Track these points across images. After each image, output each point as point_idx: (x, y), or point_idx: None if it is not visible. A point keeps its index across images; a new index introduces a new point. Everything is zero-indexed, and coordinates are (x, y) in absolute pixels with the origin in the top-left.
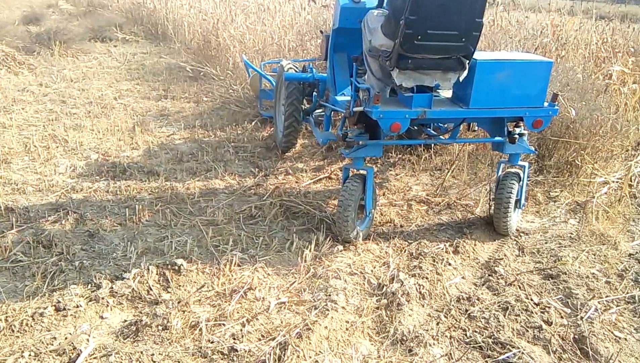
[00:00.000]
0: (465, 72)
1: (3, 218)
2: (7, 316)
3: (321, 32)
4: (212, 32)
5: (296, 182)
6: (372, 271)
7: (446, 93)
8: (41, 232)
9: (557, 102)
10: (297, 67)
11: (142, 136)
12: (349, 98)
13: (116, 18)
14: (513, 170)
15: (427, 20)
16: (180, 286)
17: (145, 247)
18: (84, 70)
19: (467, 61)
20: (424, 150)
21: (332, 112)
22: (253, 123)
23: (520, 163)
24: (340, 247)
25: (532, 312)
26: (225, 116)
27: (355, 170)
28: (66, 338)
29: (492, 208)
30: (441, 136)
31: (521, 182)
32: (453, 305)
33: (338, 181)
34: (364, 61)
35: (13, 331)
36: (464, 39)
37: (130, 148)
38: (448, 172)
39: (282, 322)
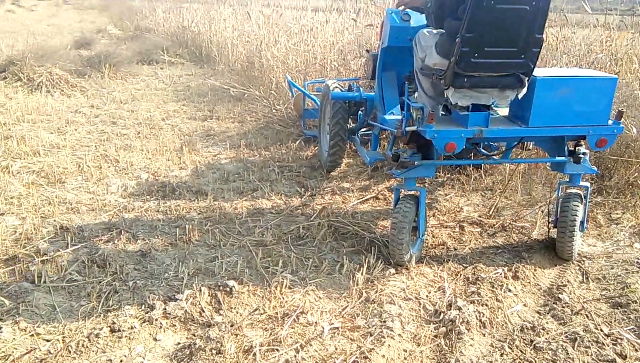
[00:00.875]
0: (525, 90)
1: (58, 237)
2: (64, 337)
3: (367, 51)
4: (256, 54)
5: (343, 202)
6: (427, 296)
7: (502, 111)
8: (95, 251)
9: (622, 120)
10: (342, 87)
11: (189, 155)
12: (398, 117)
13: (162, 41)
14: (574, 191)
15: (484, 37)
16: (232, 308)
17: (196, 267)
18: (132, 92)
19: (527, 78)
20: (473, 169)
21: (380, 132)
22: (297, 142)
23: (582, 183)
24: (393, 270)
25: (603, 344)
26: (269, 136)
27: (406, 191)
28: (121, 361)
29: (552, 230)
30: (493, 155)
31: (584, 203)
32: (517, 335)
33: (386, 201)
34: (415, 79)
35: (70, 352)
36: (523, 56)
37: (178, 168)
38: (500, 192)
39: (336, 349)
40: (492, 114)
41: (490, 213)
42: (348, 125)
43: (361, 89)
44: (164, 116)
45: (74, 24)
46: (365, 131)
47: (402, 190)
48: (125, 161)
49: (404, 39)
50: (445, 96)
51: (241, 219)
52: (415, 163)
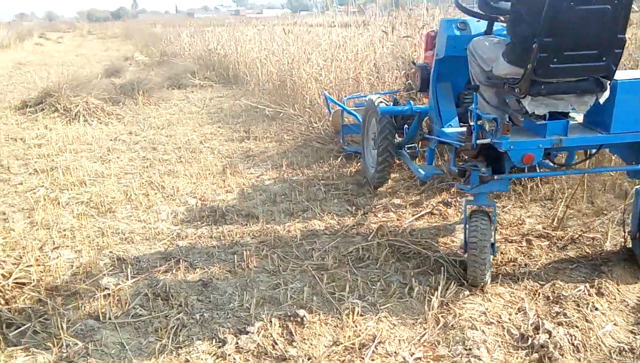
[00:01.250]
0: (607, 94)
1: (116, 269)
2: None
3: (413, 63)
4: (287, 72)
5: (398, 219)
6: (509, 319)
7: (577, 118)
8: (156, 283)
9: None
10: (387, 101)
11: (233, 178)
12: (458, 129)
13: (189, 65)
14: None
15: (563, 41)
16: (305, 339)
17: (260, 296)
18: (167, 117)
19: (608, 82)
20: (528, 179)
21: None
22: (339, 159)
23: None
24: (466, 292)
25: None
26: (309, 154)
27: (476, 207)
28: None
29: (632, 242)
30: (569, 165)
31: None
32: (615, 359)
33: (441, 216)
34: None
35: None
36: (604, 58)
37: (224, 191)
38: (563, 202)
39: None
40: (570, 122)
41: (555, 224)
42: (395, 140)
43: (411, 102)
44: (202, 139)
45: (100, 53)
46: (409, 144)
47: (471, 206)
48: (171, 187)
49: (461, 49)
50: (509, 105)
51: (297, 242)
52: (495, 177)
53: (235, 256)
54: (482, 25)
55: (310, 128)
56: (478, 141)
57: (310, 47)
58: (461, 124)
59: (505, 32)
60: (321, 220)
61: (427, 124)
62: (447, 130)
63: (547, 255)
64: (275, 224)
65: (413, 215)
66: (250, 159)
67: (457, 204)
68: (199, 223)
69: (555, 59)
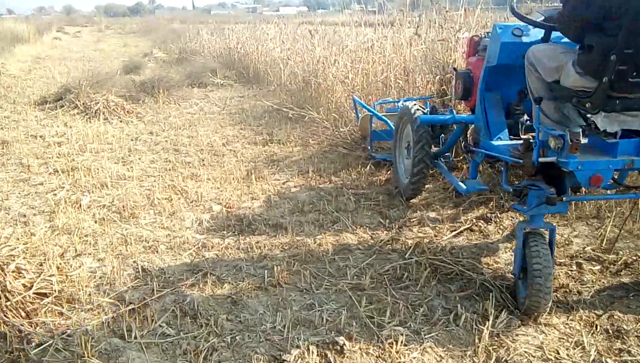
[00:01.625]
0: None
1: (141, 282)
2: None
3: (454, 69)
4: (312, 74)
5: (435, 235)
6: (567, 355)
7: None
8: (183, 299)
9: None
10: (423, 108)
11: (258, 184)
12: (509, 143)
13: (209, 64)
14: None
15: None
16: None
17: (293, 318)
18: (188, 116)
19: None
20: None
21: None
22: (367, 167)
23: None
24: (518, 321)
25: None
26: (336, 160)
27: (531, 229)
28: None
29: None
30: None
31: None
32: None
33: (482, 233)
34: (532, 101)
35: None
36: None
37: (250, 198)
38: (610, 221)
39: None
40: None
41: (605, 246)
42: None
43: (454, 111)
44: (224, 142)
45: (119, 49)
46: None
47: (525, 228)
48: (195, 192)
49: (515, 57)
50: (571, 119)
51: (329, 258)
52: (563, 198)
53: (265, 271)
54: (539, 32)
55: (336, 133)
56: (541, 159)
57: (337, 48)
58: (511, 137)
59: (567, 39)
60: (353, 233)
61: (473, 135)
62: (496, 143)
63: (600, 281)
64: (305, 237)
65: (451, 231)
66: (275, 164)
67: (498, 220)
68: (224, 232)
69: (635, 73)
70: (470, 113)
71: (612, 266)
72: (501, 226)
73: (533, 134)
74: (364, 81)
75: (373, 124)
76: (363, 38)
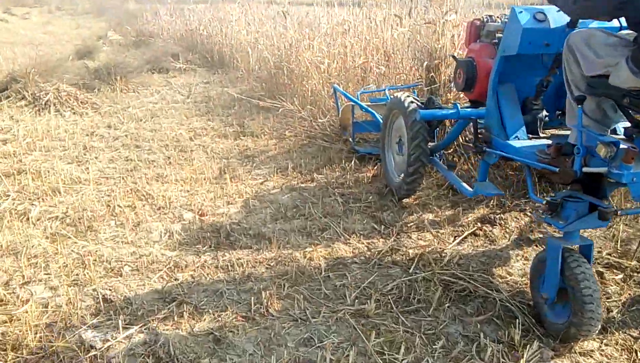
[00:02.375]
0: None
1: (103, 316)
2: None
3: (453, 57)
4: (285, 59)
5: (438, 243)
6: None
7: None
8: (155, 339)
9: None
10: (418, 100)
11: (233, 185)
12: (532, 144)
13: (170, 47)
14: None
15: None
16: None
17: (290, 359)
18: (149, 106)
19: None
20: None
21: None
22: (352, 162)
23: None
24: (549, 352)
25: None
26: (316, 154)
27: (567, 244)
28: None
29: None
30: None
31: None
32: None
33: (487, 238)
34: (569, 96)
35: None
36: None
37: (225, 202)
38: (620, 220)
39: None
40: None
41: (620, 248)
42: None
43: (458, 105)
44: (191, 135)
45: (71, 31)
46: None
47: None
48: (162, 197)
49: (538, 44)
50: (613, 120)
51: (322, 276)
52: (619, 212)
53: (251, 296)
54: (564, 16)
55: (314, 124)
56: (585, 170)
57: (310, 31)
58: (530, 136)
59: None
60: (346, 243)
61: (484, 134)
62: (515, 144)
63: (627, 293)
64: (292, 249)
65: (454, 237)
66: (250, 161)
67: (502, 222)
68: (199, 246)
69: None
70: (471, 106)
71: (635, 274)
72: (507, 229)
73: (553, 131)
74: (342, 66)
75: (355, 115)
76: (338, 19)
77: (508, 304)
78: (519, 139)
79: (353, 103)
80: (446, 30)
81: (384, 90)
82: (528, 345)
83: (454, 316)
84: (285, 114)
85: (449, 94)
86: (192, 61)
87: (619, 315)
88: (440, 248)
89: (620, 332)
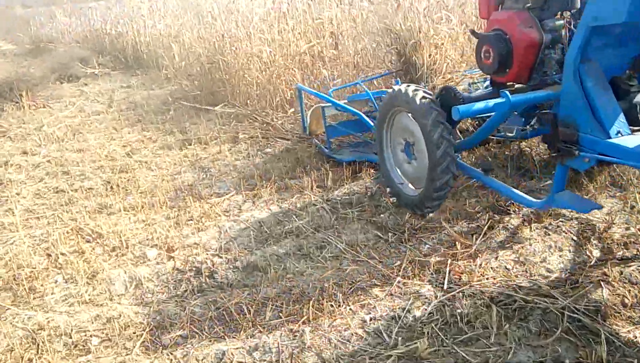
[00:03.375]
0: None
1: None
2: None
3: (474, 33)
4: (218, 51)
5: (460, 246)
6: None
7: None
8: None
9: None
10: (428, 92)
11: (195, 206)
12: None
13: (76, 51)
14: None
15: None
16: None
17: None
18: (67, 122)
19: None
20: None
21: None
22: (325, 162)
23: None
24: None
25: None
26: (283, 157)
27: None
28: None
29: None
30: None
31: None
32: None
33: (507, 230)
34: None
35: None
36: None
37: (193, 229)
38: (635, 188)
39: None
40: None
41: None
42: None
43: (508, 93)
44: (128, 150)
45: None
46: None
47: None
48: (113, 234)
49: None
50: None
51: (344, 310)
52: None
53: (266, 355)
54: None
55: (269, 122)
56: None
57: (243, 17)
58: (632, 129)
59: None
60: (355, 261)
61: (566, 131)
62: (626, 143)
63: None
64: (295, 279)
65: (472, 235)
66: (206, 173)
67: (516, 208)
68: (179, 294)
69: None
70: (509, 90)
71: None
72: (524, 216)
73: None
74: (286, 54)
75: (328, 117)
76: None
77: (575, 314)
78: (621, 135)
79: (325, 104)
80: (419, 6)
81: (357, 83)
82: None
83: (518, 340)
84: (230, 114)
85: (434, 78)
86: (104, 64)
87: None
88: (464, 252)
89: None
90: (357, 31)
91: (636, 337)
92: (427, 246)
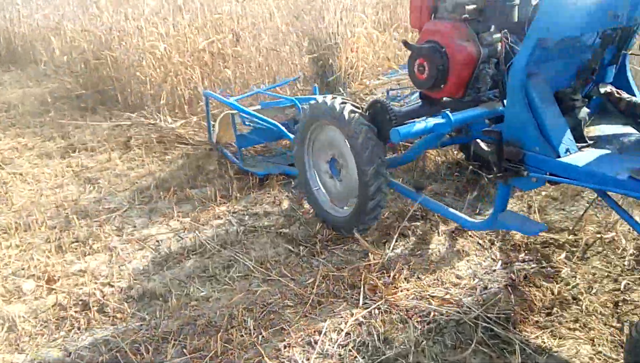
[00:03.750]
0: None
1: None
2: None
3: (406, 44)
4: (106, 46)
5: (373, 256)
6: None
7: None
8: None
9: None
10: (357, 107)
11: (80, 225)
12: (599, 158)
13: None
14: None
15: None
16: None
17: None
18: None
19: None
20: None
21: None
22: (229, 168)
23: None
24: None
25: None
26: (182, 165)
27: None
28: None
29: None
30: None
31: None
32: None
33: (418, 238)
34: None
35: None
36: None
37: (79, 254)
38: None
39: None
40: None
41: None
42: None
43: (449, 114)
44: None
45: None
46: None
47: None
48: None
49: (602, 18)
50: None
51: (256, 338)
52: None
53: None
54: None
55: (164, 125)
56: None
57: (133, 10)
58: (578, 146)
59: None
60: (265, 281)
61: (511, 150)
62: (576, 162)
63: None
64: (200, 306)
65: (385, 244)
66: (94, 186)
67: (425, 214)
68: (62, 334)
69: None
70: (441, 105)
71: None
72: (432, 221)
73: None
74: (184, 52)
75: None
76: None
77: (487, 323)
78: (570, 153)
79: (234, 111)
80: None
81: (259, 92)
82: None
83: (435, 356)
84: (120, 117)
85: (352, 84)
86: None
87: None
88: (376, 263)
89: None
90: (264, 27)
91: (544, 342)
92: (340, 257)
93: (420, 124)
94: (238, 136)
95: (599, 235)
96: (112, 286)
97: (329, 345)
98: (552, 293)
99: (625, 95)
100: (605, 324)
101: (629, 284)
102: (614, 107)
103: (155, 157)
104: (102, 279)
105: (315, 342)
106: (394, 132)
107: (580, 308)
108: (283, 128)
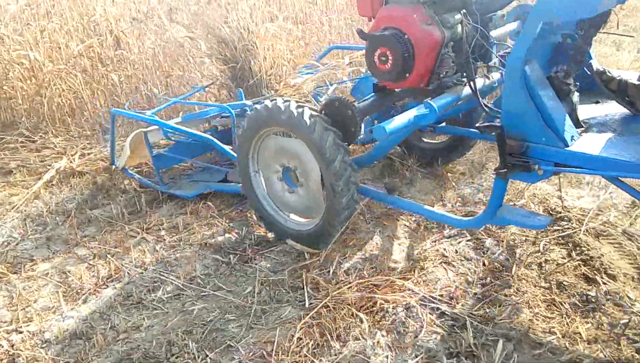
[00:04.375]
0: None
1: None
2: None
3: (362, 33)
4: None
5: (314, 256)
6: None
7: None
8: None
9: None
10: (315, 109)
11: None
12: (614, 144)
13: None
14: None
15: None
16: None
17: None
18: None
19: None
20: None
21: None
22: (137, 187)
23: None
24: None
25: None
26: (75, 185)
27: None
28: None
29: None
30: None
31: None
32: None
33: (349, 229)
34: None
35: None
36: None
37: None
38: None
39: None
40: None
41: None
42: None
43: (432, 104)
44: None
45: None
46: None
47: None
48: None
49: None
50: None
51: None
52: None
53: None
54: None
55: (48, 143)
56: None
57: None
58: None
59: None
60: (200, 298)
61: (513, 143)
62: (589, 150)
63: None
64: (133, 338)
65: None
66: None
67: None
68: None
69: None
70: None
71: None
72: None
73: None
74: (59, 59)
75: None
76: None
77: (433, 303)
78: (574, 140)
79: (149, 129)
80: None
81: (174, 102)
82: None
83: (392, 345)
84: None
85: (278, 86)
86: None
87: None
88: (313, 261)
89: None
90: (147, 28)
91: (486, 312)
92: (275, 261)
93: (402, 117)
94: (154, 156)
95: (512, 203)
96: (20, 332)
97: (283, 353)
98: (483, 264)
99: (615, 73)
100: (535, 286)
101: (546, 244)
102: (604, 87)
103: (49, 184)
104: (6, 325)
105: (269, 354)
106: (378, 129)
107: (510, 274)
108: (218, 141)
